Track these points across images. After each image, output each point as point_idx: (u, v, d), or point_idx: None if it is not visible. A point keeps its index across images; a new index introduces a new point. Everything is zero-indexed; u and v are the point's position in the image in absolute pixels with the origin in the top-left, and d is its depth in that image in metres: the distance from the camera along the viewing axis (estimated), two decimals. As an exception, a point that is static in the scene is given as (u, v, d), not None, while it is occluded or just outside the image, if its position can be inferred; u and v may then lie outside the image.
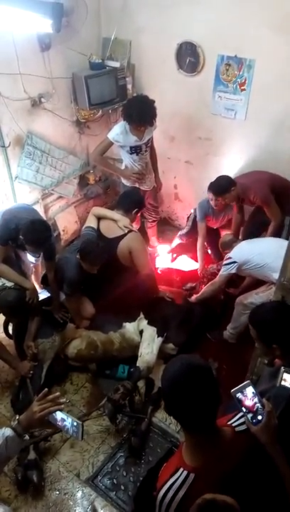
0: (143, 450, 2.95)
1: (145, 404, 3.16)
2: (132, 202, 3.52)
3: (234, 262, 3.35)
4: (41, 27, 3.48)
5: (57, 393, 1.77)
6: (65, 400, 1.79)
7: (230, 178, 3.62)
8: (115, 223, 3.38)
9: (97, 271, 3.21)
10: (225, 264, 3.43)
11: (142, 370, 3.19)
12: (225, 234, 3.98)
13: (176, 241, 4.57)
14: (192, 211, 4.42)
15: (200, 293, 3.71)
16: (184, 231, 4.51)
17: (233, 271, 3.38)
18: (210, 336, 3.75)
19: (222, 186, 3.57)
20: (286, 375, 1.68)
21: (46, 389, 1.78)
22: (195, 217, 4.25)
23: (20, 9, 3.18)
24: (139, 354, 3.27)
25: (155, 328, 3.38)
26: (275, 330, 2.01)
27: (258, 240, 3.55)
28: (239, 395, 1.55)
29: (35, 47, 3.75)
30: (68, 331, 3.42)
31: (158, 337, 3.35)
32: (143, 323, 3.45)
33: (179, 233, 4.58)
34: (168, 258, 4.56)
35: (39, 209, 4.33)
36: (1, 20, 3.18)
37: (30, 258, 3.77)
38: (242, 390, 1.56)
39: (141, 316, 3.49)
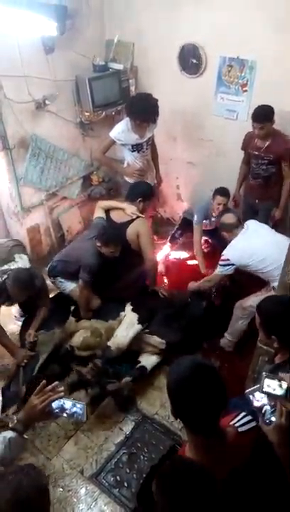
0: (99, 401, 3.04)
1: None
2: (136, 192, 3.62)
3: (232, 265, 3.28)
4: (46, 29, 3.51)
5: (56, 382, 1.78)
6: (62, 388, 1.79)
7: (271, 106, 3.51)
8: (123, 211, 3.53)
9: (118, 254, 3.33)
10: (222, 265, 3.32)
11: (112, 349, 3.25)
12: (227, 214, 3.63)
13: (168, 249, 4.58)
14: (180, 214, 4.49)
15: (196, 284, 3.66)
16: (177, 233, 4.55)
17: (230, 272, 3.32)
18: (206, 345, 3.71)
19: (267, 112, 3.46)
20: (267, 381, 1.63)
21: (44, 381, 1.78)
22: (185, 219, 4.31)
23: (25, 11, 3.21)
24: (114, 335, 3.33)
25: (137, 315, 3.43)
26: (277, 322, 2.08)
27: (257, 237, 3.34)
28: (252, 396, 1.59)
29: (40, 49, 3.78)
30: (69, 325, 3.47)
31: (138, 324, 3.39)
32: (128, 308, 3.51)
33: (171, 235, 4.61)
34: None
35: (43, 210, 4.41)
36: (5, 23, 3.20)
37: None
38: (255, 392, 1.59)
39: (128, 304, 3.56)
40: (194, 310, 3.65)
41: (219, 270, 3.39)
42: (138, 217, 3.48)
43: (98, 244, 3.32)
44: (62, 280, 3.55)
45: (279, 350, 2.15)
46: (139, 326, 3.39)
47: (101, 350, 3.28)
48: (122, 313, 3.50)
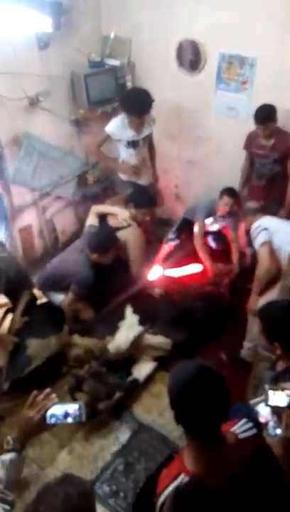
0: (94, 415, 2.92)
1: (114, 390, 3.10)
2: (130, 196, 3.61)
3: (265, 229, 2.97)
4: (40, 25, 3.45)
5: (47, 389, 1.73)
6: (55, 395, 1.74)
7: (272, 105, 3.47)
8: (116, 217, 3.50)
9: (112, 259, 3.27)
10: (257, 234, 3.01)
11: (111, 353, 3.17)
12: (250, 201, 3.63)
13: (165, 248, 4.43)
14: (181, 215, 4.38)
15: (254, 285, 3.15)
16: (172, 236, 4.40)
17: (266, 237, 2.94)
18: (225, 357, 3.50)
19: (269, 112, 3.42)
20: (271, 393, 1.65)
21: (35, 391, 1.72)
22: (184, 220, 4.20)
23: (19, 7, 3.14)
24: (114, 338, 3.24)
25: (137, 317, 3.34)
26: (280, 328, 2.08)
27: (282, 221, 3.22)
28: (257, 408, 1.61)
29: (34, 45, 3.72)
30: (65, 334, 3.37)
31: (138, 325, 3.30)
32: (129, 311, 3.41)
33: (167, 237, 4.47)
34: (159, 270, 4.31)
35: (36, 211, 4.31)
36: (-1, 19, 3.15)
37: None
38: (261, 403, 1.63)
39: (128, 307, 3.46)
40: (199, 309, 3.56)
41: (257, 243, 2.99)
42: (129, 225, 3.43)
43: (94, 255, 3.21)
44: (53, 293, 3.43)
45: (281, 356, 2.14)
46: (140, 328, 3.28)
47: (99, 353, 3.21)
48: (121, 323, 3.38)
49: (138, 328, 3.27)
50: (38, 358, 3.20)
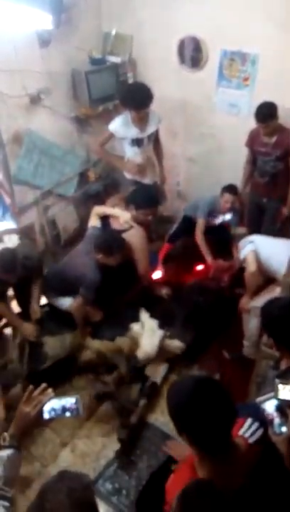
0: (134, 446, 2.87)
1: (138, 397, 3.08)
2: (130, 197, 3.53)
3: (251, 242, 3.32)
4: (41, 23, 3.43)
5: (43, 384, 1.73)
6: (51, 389, 1.74)
7: (273, 103, 3.49)
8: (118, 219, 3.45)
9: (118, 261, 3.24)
10: (244, 246, 3.36)
11: (140, 360, 3.16)
12: (238, 227, 3.97)
13: (167, 246, 4.44)
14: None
15: (247, 290, 3.45)
16: (173, 233, 4.41)
17: (251, 248, 3.30)
18: (227, 355, 3.54)
19: (269, 110, 3.42)
20: (281, 387, 1.65)
21: (31, 386, 1.72)
22: (184, 217, 4.21)
23: (19, 5, 3.11)
24: (140, 345, 3.23)
25: (156, 321, 3.34)
26: (275, 326, 2.10)
27: (273, 239, 3.45)
28: (264, 406, 1.60)
29: (34, 43, 3.71)
30: (77, 335, 3.37)
31: (158, 329, 3.30)
32: (145, 316, 3.41)
33: (169, 235, 4.48)
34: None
35: (38, 209, 4.30)
36: (-1, 16, 3.12)
37: None
38: (269, 400, 1.62)
39: (142, 311, 3.45)
40: (203, 306, 3.57)
41: (245, 251, 3.34)
42: (131, 226, 3.38)
43: (99, 255, 3.19)
44: (60, 298, 3.40)
45: (282, 354, 2.16)
46: (161, 332, 3.28)
47: (127, 360, 3.19)
48: (132, 325, 3.37)
49: (159, 333, 3.28)
50: (53, 356, 3.22)
